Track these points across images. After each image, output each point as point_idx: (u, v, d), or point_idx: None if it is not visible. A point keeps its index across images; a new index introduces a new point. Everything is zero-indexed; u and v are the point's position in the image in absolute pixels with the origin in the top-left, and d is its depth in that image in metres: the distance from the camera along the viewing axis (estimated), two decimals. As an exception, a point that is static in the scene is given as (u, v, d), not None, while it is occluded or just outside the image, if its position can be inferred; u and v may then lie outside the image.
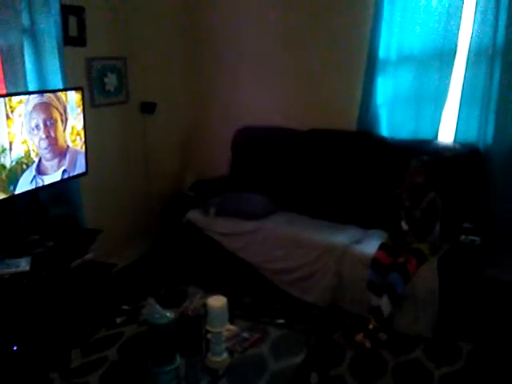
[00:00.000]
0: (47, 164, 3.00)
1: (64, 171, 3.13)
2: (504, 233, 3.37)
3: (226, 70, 4.40)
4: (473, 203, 3.37)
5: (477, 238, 3.03)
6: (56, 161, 3.06)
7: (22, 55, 2.90)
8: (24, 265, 2.60)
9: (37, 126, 2.86)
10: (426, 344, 2.94)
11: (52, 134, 2.98)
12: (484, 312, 3.11)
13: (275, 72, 4.18)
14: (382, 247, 3.17)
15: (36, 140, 2.88)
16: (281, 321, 2.50)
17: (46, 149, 2.96)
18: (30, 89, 2.98)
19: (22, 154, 2.80)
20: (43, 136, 2.92)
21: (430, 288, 2.95)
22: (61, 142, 3.07)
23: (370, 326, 2.97)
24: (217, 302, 2.03)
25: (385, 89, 3.75)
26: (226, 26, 4.31)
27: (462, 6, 3.38)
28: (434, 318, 2.95)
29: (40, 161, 2.94)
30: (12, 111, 2.67)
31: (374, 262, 3.09)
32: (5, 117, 2.63)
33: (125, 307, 3.25)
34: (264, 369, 2.12)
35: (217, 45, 4.40)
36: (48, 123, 2.93)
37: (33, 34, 2.99)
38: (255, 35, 4.20)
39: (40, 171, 2.96)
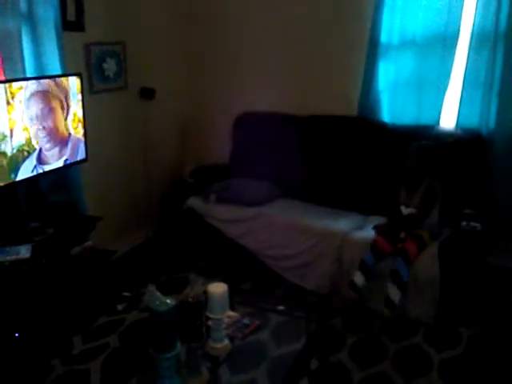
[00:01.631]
0: (48, 154, 2.96)
1: (66, 161, 3.09)
2: (506, 219, 3.36)
3: (226, 56, 4.36)
4: (474, 189, 3.36)
5: (478, 224, 3.02)
6: (57, 150, 3.01)
7: (20, 41, 2.86)
8: (24, 252, 2.60)
9: (35, 116, 2.81)
10: (426, 329, 2.95)
11: (50, 123, 2.92)
12: (485, 298, 3.11)
13: (275, 58, 4.14)
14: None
15: (34, 130, 2.83)
16: (281, 307, 2.51)
17: (44, 138, 2.91)
18: (29, 75, 2.94)
19: (23, 142, 2.76)
20: (40, 126, 2.86)
21: (431, 274, 2.95)
22: (61, 130, 3.01)
23: (386, 314, 2.96)
24: (217, 288, 2.04)
25: (386, 74, 3.71)
26: (226, 10, 4.26)
27: (465, -10, 3.33)
28: (435, 303, 2.96)
29: (41, 150, 2.90)
30: (13, 97, 2.63)
31: (373, 246, 3.09)
32: (5, 103, 2.60)
33: (125, 294, 3.26)
34: (264, 355, 2.13)
35: (217, 30, 4.35)
36: (46, 112, 2.88)
37: (31, 19, 2.95)
38: (255, 20, 4.15)
39: (41, 161, 2.91)
